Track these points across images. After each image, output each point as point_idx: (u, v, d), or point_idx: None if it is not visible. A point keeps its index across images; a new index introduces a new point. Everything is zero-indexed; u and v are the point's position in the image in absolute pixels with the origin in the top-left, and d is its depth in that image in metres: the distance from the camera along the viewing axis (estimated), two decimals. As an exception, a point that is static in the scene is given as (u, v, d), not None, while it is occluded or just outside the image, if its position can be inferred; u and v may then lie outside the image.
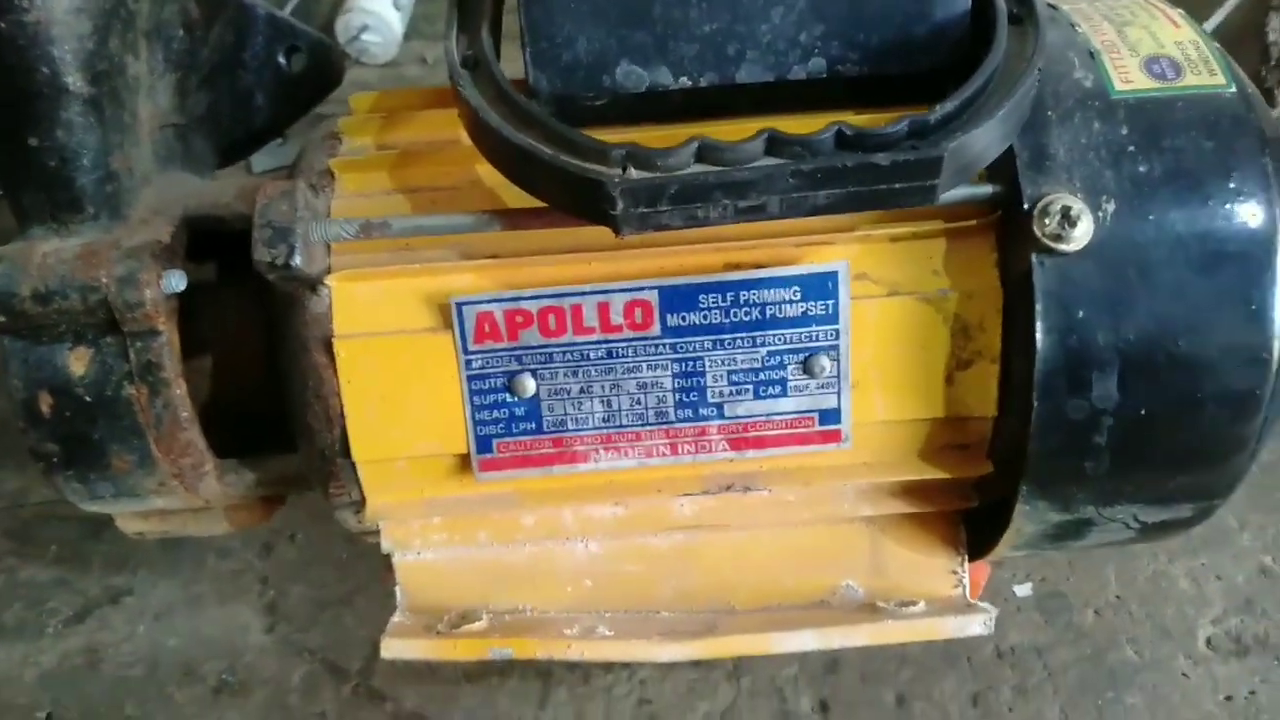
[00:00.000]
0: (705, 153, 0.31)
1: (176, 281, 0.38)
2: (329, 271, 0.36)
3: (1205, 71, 0.36)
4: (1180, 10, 0.38)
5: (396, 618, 0.41)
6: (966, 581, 0.41)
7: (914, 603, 0.40)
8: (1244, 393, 0.34)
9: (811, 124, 0.33)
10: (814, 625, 0.39)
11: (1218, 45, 0.37)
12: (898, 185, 0.31)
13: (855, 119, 0.34)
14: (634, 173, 0.31)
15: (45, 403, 0.39)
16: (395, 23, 0.88)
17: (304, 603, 0.57)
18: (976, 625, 0.39)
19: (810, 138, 0.31)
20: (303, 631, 0.56)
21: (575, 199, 0.32)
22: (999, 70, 0.33)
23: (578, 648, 0.39)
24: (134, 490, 0.41)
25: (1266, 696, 0.53)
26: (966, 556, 0.41)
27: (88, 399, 0.39)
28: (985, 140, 0.32)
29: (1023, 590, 0.57)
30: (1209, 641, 0.56)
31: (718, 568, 0.42)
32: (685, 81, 0.36)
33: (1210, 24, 0.63)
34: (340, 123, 0.40)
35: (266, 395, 0.40)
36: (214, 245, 0.42)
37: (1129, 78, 0.35)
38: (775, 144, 0.31)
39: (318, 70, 0.51)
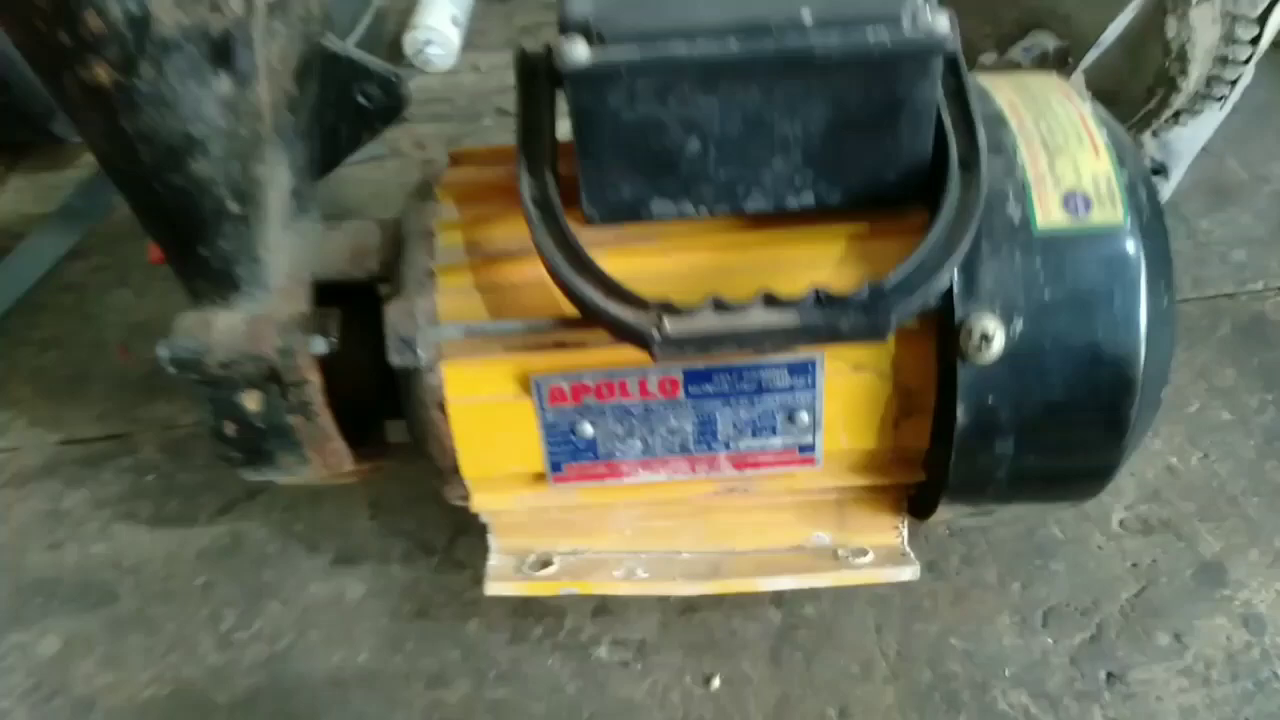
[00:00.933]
0: (719, 306, 0.43)
1: (319, 345, 0.51)
2: (440, 356, 0.48)
3: (1109, 206, 0.46)
4: (1104, 136, 0.47)
5: (492, 561, 0.57)
6: (905, 534, 0.57)
7: (865, 552, 0.56)
8: (1102, 461, 0.48)
9: (801, 247, 0.45)
10: (791, 571, 0.55)
11: (1125, 176, 0.47)
12: (857, 338, 0.42)
13: (833, 267, 0.45)
14: (668, 324, 0.43)
15: (230, 428, 0.53)
16: (454, 37, 1.01)
17: (398, 497, 0.72)
18: (908, 573, 0.55)
19: (796, 300, 0.42)
20: (398, 518, 0.71)
21: (622, 336, 0.44)
22: (945, 225, 0.44)
23: (623, 586, 0.56)
24: (292, 474, 0.56)
25: (1164, 563, 0.68)
26: (906, 519, 0.56)
27: (260, 425, 0.53)
28: (929, 294, 0.43)
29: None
30: (1121, 523, 0.70)
31: (724, 523, 0.57)
32: (704, 211, 0.46)
33: (1118, 24, 0.71)
34: (435, 223, 0.50)
35: (376, 398, 0.54)
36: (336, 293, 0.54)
37: (1049, 214, 0.46)
38: (770, 301, 0.43)
39: (389, 100, 0.59)
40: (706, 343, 0.43)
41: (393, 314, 0.47)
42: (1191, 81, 0.78)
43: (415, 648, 0.65)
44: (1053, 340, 0.46)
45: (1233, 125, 0.92)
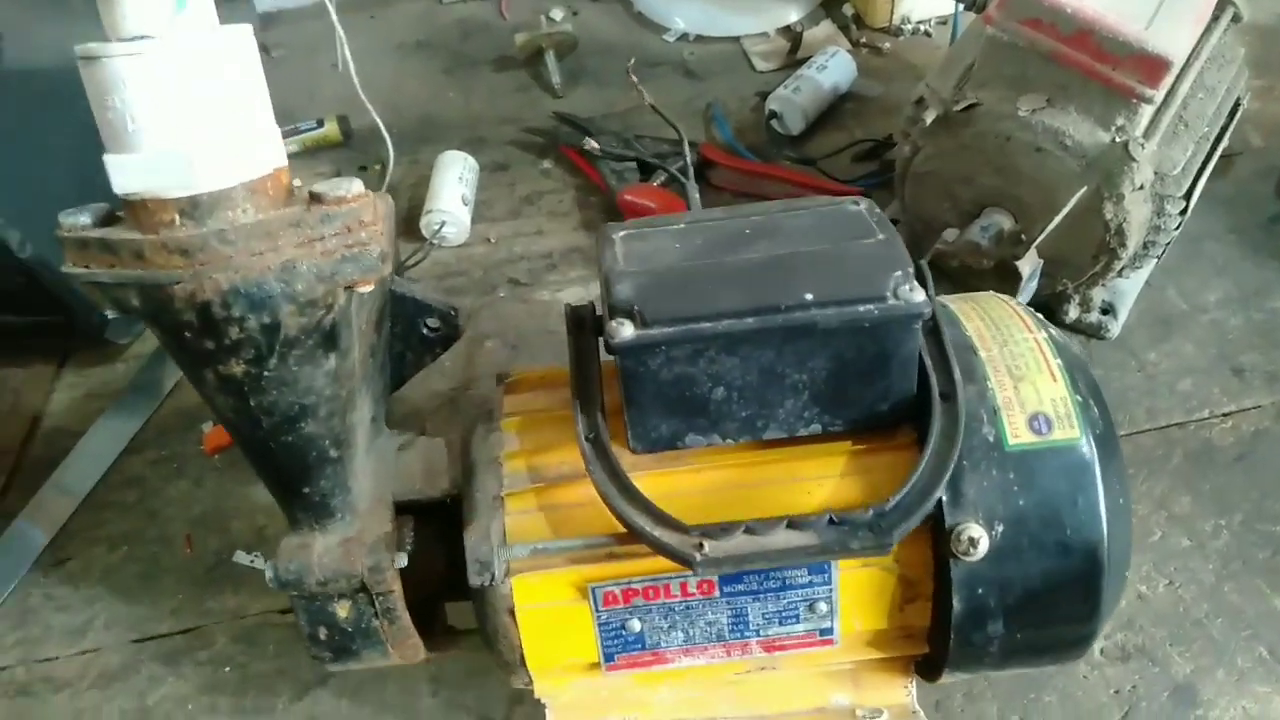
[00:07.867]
0: (750, 529, 0.51)
1: (401, 560, 0.59)
2: (510, 572, 0.56)
3: (1067, 425, 0.55)
4: (1059, 362, 0.57)
5: (552, 731, 0.64)
6: (914, 693, 0.64)
7: (880, 712, 0.64)
8: (1081, 633, 0.56)
9: (810, 463, 0.53)
10: (817, 730, 0.63)
11: (1079, 397, 0.56)
12: (865, 554, 0.51)
13: (837, 480, 0.54)
14: (707, 546, 0.51)
15: (323, 633, 0.61)
16: (465, 216, 1.13)
17: (457, 673, 0.79)
18: (918, 729, 0.63)
19: (813, 519, 0.51)
20: (458, 692, 0.78)
21: (668, 557, 0.52)
22: (933, 452, 0.53)
23: (668, 751, 0.63)
24: (373, 665, 0.64)
25: (1143, 688, 0.76)
26: (914, 680, 0.64)
27: (350, 630, 0.60)
28: (923, 512, 0.52)
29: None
30: (1102, 651, 0.78)
31: (754, 691, 0.64)
32: (730, 441, 0.55)
33: (1063, 213, 0.82)
34: (500, 453, 0.59)
35: (440, 588, 0.62)
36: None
37: (1017, 433, 0.55)
38: (793, 524, 0.51)
39: (448, 329, 0.69)
40: (740, 561, 0.51)
41: (471, 540, 0.55)
42: (1130, 250, 0.88)
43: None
44: (1029, 539, 0.54)
45: (1170, 258, 1.02)
